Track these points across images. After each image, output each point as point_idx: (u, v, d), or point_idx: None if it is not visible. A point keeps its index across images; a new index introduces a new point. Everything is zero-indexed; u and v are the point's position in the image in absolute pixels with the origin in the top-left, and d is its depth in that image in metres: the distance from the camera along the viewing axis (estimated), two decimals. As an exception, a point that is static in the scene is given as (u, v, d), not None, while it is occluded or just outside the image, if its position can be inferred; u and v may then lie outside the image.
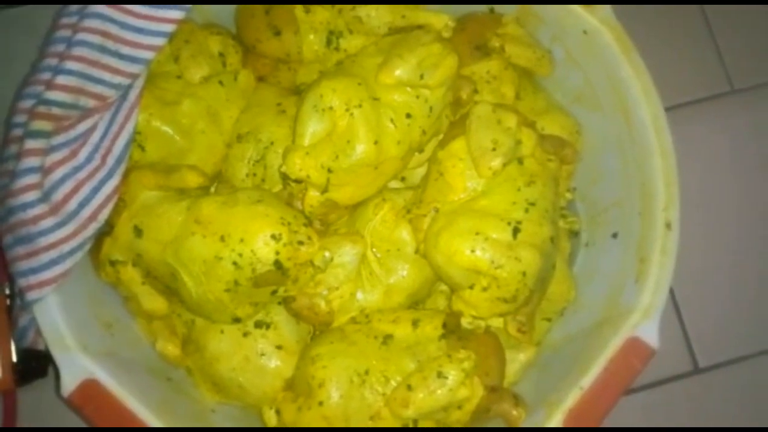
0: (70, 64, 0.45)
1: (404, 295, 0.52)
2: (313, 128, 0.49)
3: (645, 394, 0.70)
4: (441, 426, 0.47)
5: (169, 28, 0.49)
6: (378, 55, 0.52)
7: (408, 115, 0.50)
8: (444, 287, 0.55)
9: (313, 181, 0.49)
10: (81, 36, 0.46)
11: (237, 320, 0.48)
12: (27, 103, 0.46)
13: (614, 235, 0.56)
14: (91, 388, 0.45)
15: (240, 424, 0.53)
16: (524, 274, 0.47)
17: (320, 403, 0.47)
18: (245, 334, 0.50)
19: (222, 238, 0.45)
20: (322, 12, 0.55)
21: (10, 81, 0.68)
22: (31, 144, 0.44)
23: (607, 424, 0.65)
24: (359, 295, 0.52)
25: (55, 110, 0.45)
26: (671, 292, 0.72)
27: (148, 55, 0.48)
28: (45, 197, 0.45)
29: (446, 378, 0.46)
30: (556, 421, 0.47)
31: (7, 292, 0.62)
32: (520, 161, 0.50)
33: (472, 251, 0.46)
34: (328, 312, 0.51)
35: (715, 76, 0.79)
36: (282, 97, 0.56)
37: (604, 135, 0.57)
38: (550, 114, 0.58)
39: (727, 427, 0.69)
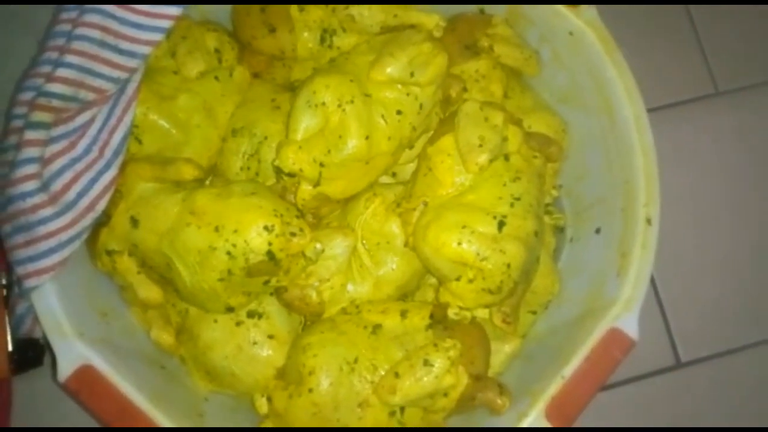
0: (71, 58, 0.47)
1: (393, 287, 0.54)
2: (306, 123, 0.50)
3: (627, 387, 0.71)
4: (428, 413, 0.49)
5: (166, 24, 0.50)
6: (370, 53, 0.53)
7: (399, 112, 0.52)
8: (433, 280, 0.57)
9: (306, 174, 0.50)
10: (81, 30, 0.47)
11: (230, 309, 0.50)
12: (27, 95, 0.47)
13: (597, 231, 0.58)
14: (87, 374, 0.46)
15: (232, 413, 0.54)
16: (509, 266, 0.48)
17: (310, 390, 0.48)
18: (238, 324, 0.51)
19: (216, 229, 0.46)
20: (316, 11, 0.57)
21: (8, 76, 0.69)
22: (31, 135, 0.45)
23: (589, 417, 0.68)
24: (349, 287, 0.53)
25: (55, 102, 0.46)
26: (654, 288, 0.74)
27: (146, 50, 0.50)
28: (44, 187, 0.46)
29: (432, 366, 0.47)
30: (538, 409, 0.48)
31: (4, 282, 0.63)
32: (507, 158, 0.51)
33: (459, 244, 0.48)
34: (319, 303, 0.52)
35: (700, 78, 0.81)
36: (276, 93, 0.58)
37: (589, 134, 0.59)
38: (537, 113, 0.60)
39: (707, 427, 0.71)
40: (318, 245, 0.50)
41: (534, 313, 0.59)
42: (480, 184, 0.50)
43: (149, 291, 0.50)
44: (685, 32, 0.82)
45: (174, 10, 0.51)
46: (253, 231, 0.46)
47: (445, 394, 0.48)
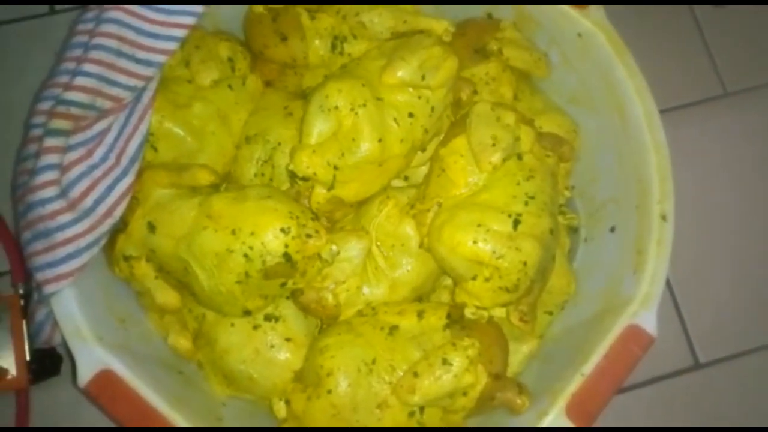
0: (88, 67, 0.48)
1: (409, 289, 0.54)
2: (319, 127, 0.51)
3: (646, 389, 0.71)
4: (447, 412, 0.49)
5: (181, 33, 0.51)
6: (381, 58, 0.54)
7: (410, 115, 0.52)
8: (448, 282, 0.57)
9: (320, 178, 0.51)
10: (98, 40, 0.48)
11: (247, 313, 0.50)
12: (46, 105, 0.48)
13: (612, 230, 0.57)
14: (106, 378, 0.46)
15: (250, 417, 0.54)
16: (525, 263, 0.48)
17: (329, 392, 0.48)
18: (255, 327, 0.52)
19: (233, 232, 0.46)
20: (326, 18, 0.58)
21: (25, 90, 0.71)
22: (50, 142, 0.46)
23: (609, 419, 0.67)
24: (365, 289, 0.53)
25: (74, 110, 0.47)
26: (670, 289, 0.74)
27: (161, 58, 0.50)
28: (63, 193, 0.47)
29: (451, 365, 0.47)
30: (559, 407, 0.48)
31: (21, 292, 0.64)
32: (519, 157, 0.51)
33: (475, 242, 0.48)
34: (335, 305, 0.52)
35: (708, 79, 0.81)
36: (288, 100, 0.59)
37: (601, 134, 0.59)
38: (548, 114, 0.60)
39: (728, 427, 0.70)
40: (333, 247, 0.50)
41: (550, 313, 0.58)
42: (494, 184, 0.50)
43: (166, 296, 0.51)
44: (691, 34, 0.82)
45: (188, 19, 0.52)
46: (270, 233, 0.46)
47: (465, 394, 0.48)
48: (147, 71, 0.50)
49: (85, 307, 0.48)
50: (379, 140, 0.51)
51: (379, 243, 0.54)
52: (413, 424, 0.49)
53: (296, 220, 0.47)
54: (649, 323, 0.50)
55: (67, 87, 0.47)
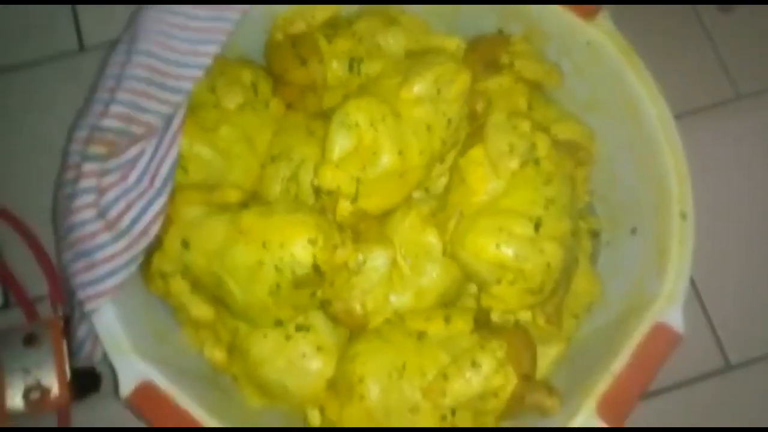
0: (122, 95, 0.51)
1: (435, 296, 0.55)
2: (341, 143, 0.53)
3: (676, 393, 0.70)
4: (478, 415, 0.49)
5: (206, 61, 0.54)
6: (397, 75, 0.56)
7: (428, 127, 0.54)
8: (472, 290, 0.58)
9: (344, 191, 0.52)
10: (130, 71, 0.52)
11: (279, 323, 0.51)
12: (83, 133, 0.51)
13: (633, 231, 0.58)
14: (147, 390, 0.48)
15: (285, 426, 0.55)
16: (548, 265, 0.49)
17: (361, 398, 0.49)
18: (287, 338, 0.53)
19: (263, 245, 0.48)
20: (343, 41, 0.60)
21: (55, 123, 0.75)
22: (88, 167, 0.49)
23: (639, 425, 0.67)
24: (392, 297, 0.54)
25: (109, 136, 0.50)
26: (695, 289, 0.74)
27: (188, 85, 0.53)
28: (101, 215, 0.49)
29: (480, 366, 0.48)
30: (589, 407, 0.48)
31: (61, 313, 0.66)
32: (537, 162, 0.53)
33: (497, 246, 0.49)
34: (363, 315, 0.53)
35: (720, 82, 0.82)
36: (310, 120, 0.61)
37: (616, 138, 0.61)
38: (563, 122, 0.61)
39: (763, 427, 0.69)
40: (360, 256, 0.52)
41: (576, 317, 0.59)
42: (513, 189, 0.52)
43: (201, 310, 0.53)
44: (699, 39, 0.83)
45: (212, 48, 0.55)
46: (299, 245, 0.48)
47: (495, 395, 0.48)
48: (176, 98, 0.53)
49: (124, 322, 0.50)
50: (399, 153, 0.53)
51: (403, 252, 0.55)
52: (446, 426, 0.49)
53: (323, 232, 0.49)
54: (675, 320, 0.50)
55: (102, 115, 0.50)
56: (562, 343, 0.56)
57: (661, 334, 0.50)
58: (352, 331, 0.55)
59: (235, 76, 0.59)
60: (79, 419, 0.65)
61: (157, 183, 0.52)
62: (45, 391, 0.61)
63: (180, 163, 0.54)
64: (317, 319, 0.54)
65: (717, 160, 0.79)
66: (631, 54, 0.58)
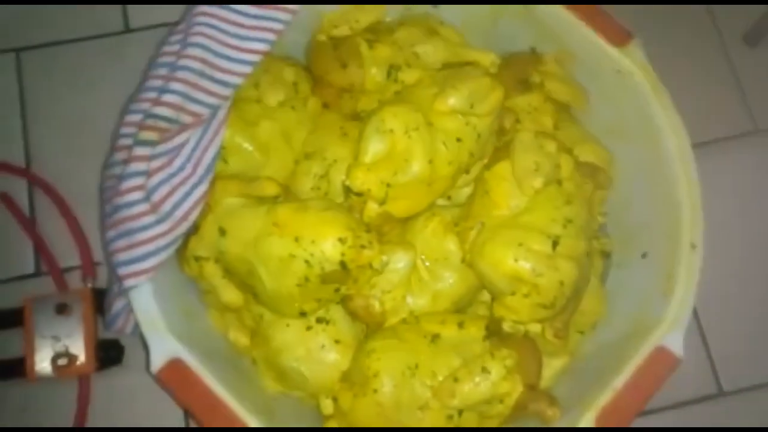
0: (175, 85, 0.53)
1: (450, 301, 0.58)
2: (375, 147, 0.55)
3: (669, 413, 0.73)
4: (483, 418, 0.52)
5: (255, 58, 0.57)
6: (433, 86, 0.58)
7: (458, 139, 0.57)
8: (485, 297, 0.61)
9: (374, 194, 0.55)
10: (184, 62, 0.54)
11: (303, 314, 0.54)
12: (135, 117, 0.54)
13: (643, 255, 0.61)
14: (176, 367, 0.51)
15: (298, 413, 0.58)
16: (562, 283, 0.52)
17: (375, 391, 0.52)
18: (308, 328, 0.56)
19: (296, 239, 0.51)
20: (384, 48, 0.63)
21: (98, 102, 0.78)
22: (139, 151, 0.52)
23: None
24: (409, 299, 0.57)
25: (161, 123, 0.52)
26: (696, 317, 0.76)
27: (237, 80, 0.56)
28: (146, 198, 0.52)
29: (489, 372, 0.51)
30: (588, 419, 0.51)
31: (90, 285, 0.70)
32: (559, 183, 0.55)
33: (516, 260, 0.52)
34: (381, 312, 0.56)
35: (740, 115, 0.84)
36: (344, 121, 0.63)
37: (635, 164, 0.63)
38: (586, 144, 0.64)
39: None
40: (384, 257, 0.54)
41: (582, 333, 0.62)
42: (534, 207, 0.54)
43: (231, 295, 0.56)
44: (724, 72, 0.86)
45: (262, 45, 0.57)
46: (329, 242, 0.51)
47: (501, 401, 0.51)
48: (224, 91, 0.55)
49: (159, 301, 0.53)
50: (429, 162, 0.55)
51: (423, 256, 0.58)
52: (451, 426, 0.52)
53: (352, 232, 0.52)
54: (676, 345, 0.53)
55: (156, 102, 0.53)
56: (566, 356, 0.59)
57: (661, 357, 0.53)
58: (369, 327, 0.58)
59: (278, 74, 0.61)
60: (98, 388, 0.69)
61: (200, 171, 0.55)
62: (72, 359, 0.65)
63: (221, 154, 0.57)
64: (337, 314, 0.57)
65: (731, 189, 0.81)
66: (658, 86, 0.60)
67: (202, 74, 0.55)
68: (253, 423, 0.50)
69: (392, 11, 0.67)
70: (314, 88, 0.65)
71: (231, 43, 0.56)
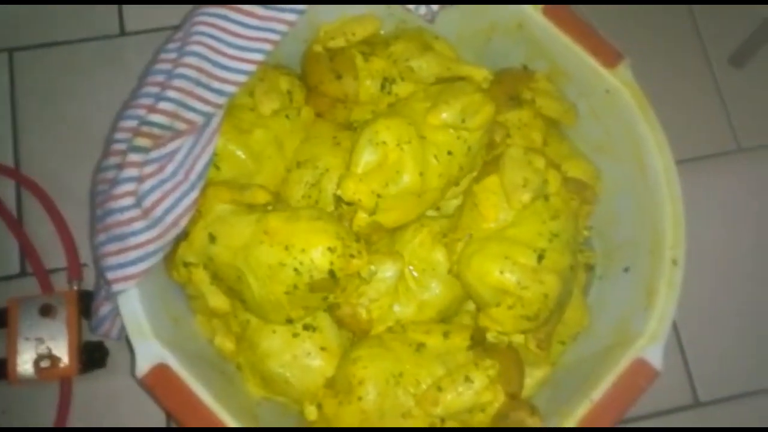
0: (171, 93, 0.54)
1: (435, 311, 0.59)
2: (367, 158, 0.56)
3: (646, 422, 0.75)
4: (465, 426, 0.53)
5: (251, 68, 0.57)
6: (426, 100, 0.59)
7: (449, 153, 0.58)
8: (470, 307, 0.62)
9: (364, 204, 0.56)
10: (181, 70, 0.55)
11: (290, 321, 0.55)
12: (130, 123, 0.54)
13: (626, 270, 0.62)
14: (162, 372, 0.51)
15: (282, 418, 0.59)
16: (546, 296, 0.53)
17: (359, 398, 0.53)
18: (294, 335, 0.57)
19: (286, 248, 0.52)
20: (378, 61, 0.64)
21: (94, 105, 0.78)
22: (133, 157, 0.52)
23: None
24: (396, 308, 0.58)
25: (155, 130, 0.53)
26: (676, 330, 0.78)
27: (232, 89, 0.57)
28: (138, 203, 0.52)
29: (472, 382, 0.52)
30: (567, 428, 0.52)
31: (75, 288, 0.70)
32: (546, 198, 0.57)
33: (501, 273, 0.53)
34: (368, 321, 0.57)
35: (723, 134, 0.86)
36: (337, 131, 0.64)
37: (621, 181, 0.64)
38: (574, 160, 0.65)
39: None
40: (372, 267, 0.55)
41: (563, 343, 0.63)
42: (521, 221, 0.55)
43: (218, 301, 0.56)
44: (709, 92, 0.88)
45: (257, 56, 0.58)
46: (319, 251, 0.52)
47: (483, 410, 0.52)
48: (219, 99, 0.56)
49: (146, 306, 0.53)
50: (420, 174, 0.56)
51: (411, 266, 0.59)
52: (434, 434, 0.53)
53: (342, 241, 0.53)
54: (655, 358, 0.54)
55: (151, 110, 0.53)
56: (548, 366, 0.60)
57: (640, 369, 0.54)
58: (356, 335, 0.59)
59: (273, 83, 0.62)
60: (81, 391, 0.69)
61: (192, 177, 0.55)
62: (55, 361, 0.65)
63: (214, 161, 0.58)
64: (324, 321, 0.58)
65: (713, 206, 0.83)
66: (646, 106, 0.61)
67: (197, 82, 0.55)
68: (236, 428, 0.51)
69: (387, 24, 0.68)
70: (308, 97, 0.65)
71: (228, 52, 0.57)
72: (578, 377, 0.58)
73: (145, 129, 0.53)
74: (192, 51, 0.55)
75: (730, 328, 0.79)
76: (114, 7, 0.82)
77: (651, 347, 0.55)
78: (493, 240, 0.55)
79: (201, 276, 0.56)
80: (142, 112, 0.54)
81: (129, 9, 0.82)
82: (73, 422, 0.68)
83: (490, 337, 0.56)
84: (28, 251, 0.72)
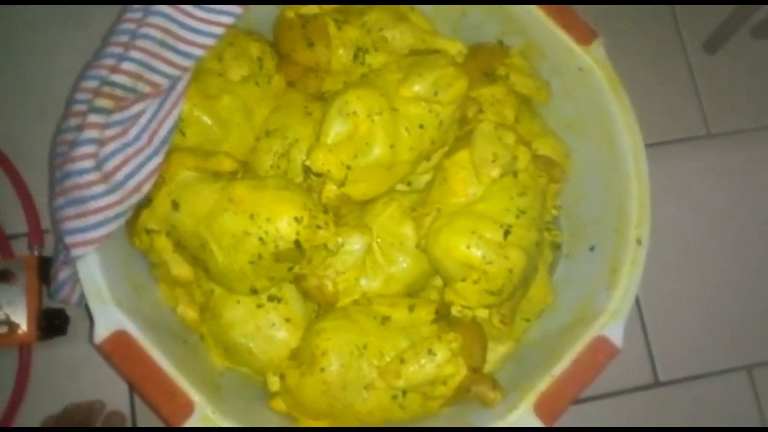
0: (134, 53, 0.52)
1: (402, 285, 0.59)
2: (337, 129, 0.55)
3: (607, 401, 0.76)
4: (426, 399, 0.53)
5: (219, 30, 0.56)
6: (399, 71, 0.59)
7: (421, 126, 0.57)
8: (437, 282, 0.62)
9: (333, 175, 0.55)
10: (145, 30, 0.53)
11: (254, 291, 0.54)
12: (91, 83, 0.52)
13: (591, 248, 0.63)
14: (120, 338, 0.50)
15: (244, 388, 0.58)
16: (511, 271, 0.53)
17: (322, 370, 0.53)
18: (259, 306, 0.56)
19: (251, 216, 0.51)
20: (352, 30, 0.63)
21: (58, 67, 0.75)
22: (93, 118, 0.50)
23: (573, 425, 0.72)
24: (362, 281, 0.58)
25: (118, 91, 0.51)
26: (639, 310, 0.79)
27: (199, 52, 0.55)
28: (98, 166, 0.51)
29: (435, 355, 0.52)
30: (527, 403, 0.53)
31: (36, 253, 0.68)
32: (515, 174, 0.57)
33: (468, 247, 0.53)
34: (334, 293, 0.57)
35: (694, 120, 0.87)
36: (308, 101, 0.63)
37: (590, 160, 0.65)
38: (544, 137, 0.65)
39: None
40: (339, 239, 0.55)
41: (527, 320, 0.64)
42: (490, 196, 0.55)
43: (181, 269, 0.55)
44: (682, 77, 0.88)
45: (227, 18, 0.56)
46: (285, 221, 0.51)
47: (444, 383, 0.53)
48: (185, 62, 0.54)
49: (106, 272, 0.52)
50: (391, 146, 0.56)
51: (379, 240, 0.59)
52: (395, 406, 0.53)
53: (309, 212, 0.52)
54: (616, 335, 0.55)
55: (114, 70, 0.52)
56: (511, 342, 0.61)
57: (601, 346, 0.55)
58: (321, 307, 0.59)
59: (243, 49, 0.61)
60: (41, 358, 0.67)
61: (156, 142, 0.54)
62: (13, 327, 0.63)
63: (179, 127, 0.56)
64: (289, 293, 0.57)
65: (680, 189, 0.84)
66: (618, 86, 0.62)
67: (163, 44, 0.53)
68: (197, 397, 0.50)
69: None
70: (279, 65, 0.64)
71: (196, 14, 0.55)
72: (541, 353, 0.59)
73: (106, 89, 0.51)
74: (158, 11, 0.54)
75: (693, 310, 0.80)
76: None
77: (612, 325, 0.55)
78: (461, 215, 0.55)
79: (163, 243, 0.55)
80: (104, 72, 0.52)
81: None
82: (32, 390, 0.67)
83: (455, 311, 0.57)
84: (-14, 216, 0.70)
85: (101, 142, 0.51)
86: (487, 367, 0.59)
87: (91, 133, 0.50)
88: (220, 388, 0.56)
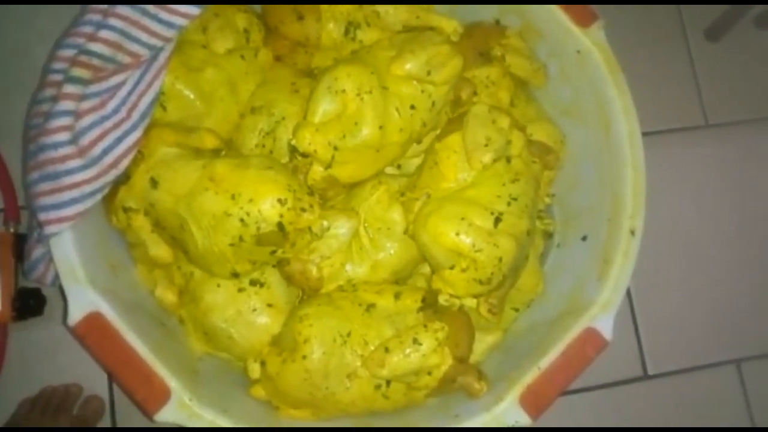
0: (114, 21, 0.49)
1: (389, 271, 0.57)
2: (325, 107, 0.53)
3: (595, 393, 0.76)
4: (411, 389, 0.52)
5: (203, -1, 0.53)
6: (391, 49, 0.56)
7: (412, 107, 0.55)
8: (425, 269, 0.60)
9: (320, 156, 0.53)
10: (125, -4, 0.50)
11: (235, 275, 0.52)
12: (67, 52, 0.50)
13: (584, 238, 0.61)
14: (95, 320, 0.49)
15: (223, 374, 0.57)
16: (500, 259, 0.52)
17: (304, 357, 0.51)
18: (240, 290, 0.54)
19: (233, 197, 0.49)
20: (344, 4, 0.60)
21: (37, 35, 0.72)
22: (69, 89, 0.48)
23: (557, 418, 0.72)
24: (348, 267, 0.56)
25: (95, 61, 0.49)
26: (630, 302, 0.78)
27: (182, 22, 0.52)
28: (74, 139, 0.49)
29: (420, 344, 0.50)
30: (513, 395, 0.52)
31: (12, 230, 0.66)
32: (508, 160, 0.55)
33: (457, 234, 0.51)
34: (318, 278, 0.55)
35: (692, 110, 0.86)
36: (296, 77, 0.61)
37: (585, 146, 0.63)
38: (539, 122, 0.63)
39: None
40: (324, 222, 0.53)
41: (516, 310, 0.62)
42: (481, 182, 0.54)
43: (160, 250, 0.53)
44: (683, 65, 0.87)
45: (211, -13, 0.54)
46: (267, 202, 0.49)
47: (430, 373, 0.51)
48: (168, 32, 0.52)
49: (81, 250, 0.50)
50: (380, 127, 0.54)
51: (366, 225, 0.57)
52: (379, 396, 0.52)
53: (293, 193, 0.50)
54: (605, 328, 0.54)
55: (92, 38, 0.49)
56: (499, 332, 0.59)
57: (590, 338, 0.54)
58: (305, 292, 0.57)
59: (229, 20, 0.58)
60: (16, 339, 0.65)
61: (135, 116, 0.51)
62: (-13, 304, 0.61)
63: (160, 100, 0.54)
64: (272, 277, 0.55)
65: (677, 179, 0.83)
66: (616, 70, 0.60)
67: (144, 12, 0.51)
68: (173, 383, 0.49)
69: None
70: (267, 38, 0.61)
71: (178, -20, 0.52)
72: (529, 344, 0.57)
73: (83, 58, 0.48)
74: (138, -23, 0.51)
75: (685, 304, 0.79)
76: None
77: (602, 317, 0.54)
78: (451, 200, 0.53)
79: (141, 223, 0.53)
80: (81, 40, 0.50)
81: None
82: (7, 372, 0.65)
83: (442, 300, 0.55)
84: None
85: (78, 115, 0.49)
86: (474, 357, 0.57)
87: (66, 105, 0.48)
88: (199, 374, 0.54)
